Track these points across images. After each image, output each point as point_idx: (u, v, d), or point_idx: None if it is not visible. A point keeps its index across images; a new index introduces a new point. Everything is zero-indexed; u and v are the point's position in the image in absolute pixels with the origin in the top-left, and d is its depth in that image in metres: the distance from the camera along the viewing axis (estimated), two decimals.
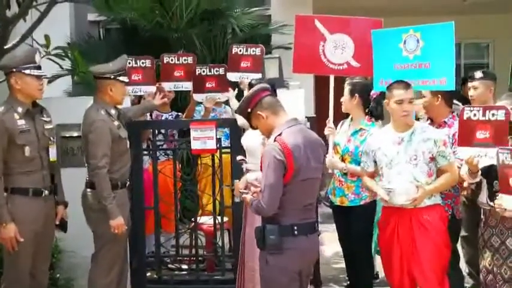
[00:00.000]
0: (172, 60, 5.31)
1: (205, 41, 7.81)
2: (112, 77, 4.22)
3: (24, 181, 3.93)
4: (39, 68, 4.00)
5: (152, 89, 5.22)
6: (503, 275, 3.69)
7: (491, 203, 3.71)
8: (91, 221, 4.27)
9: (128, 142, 4.42)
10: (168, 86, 5.30)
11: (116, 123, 4.24)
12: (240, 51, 5.38)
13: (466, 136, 3.69)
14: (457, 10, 8.79)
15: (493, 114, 3.60)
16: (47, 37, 5.58)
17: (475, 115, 3.65)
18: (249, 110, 3.50)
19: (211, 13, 7.96)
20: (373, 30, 4.48)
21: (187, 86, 5.34)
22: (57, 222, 4.20)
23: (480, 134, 3.61)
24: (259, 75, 5.21)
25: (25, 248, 3.92)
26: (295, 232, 3.39)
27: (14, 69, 3.94)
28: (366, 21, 4.60)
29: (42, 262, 4.14)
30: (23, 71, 3.93)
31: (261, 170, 3.39)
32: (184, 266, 5.46)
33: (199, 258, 5.23)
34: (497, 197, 3.53)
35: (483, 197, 3.82)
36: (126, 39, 8.32)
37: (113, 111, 4.25)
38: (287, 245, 3.36)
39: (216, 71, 5.39)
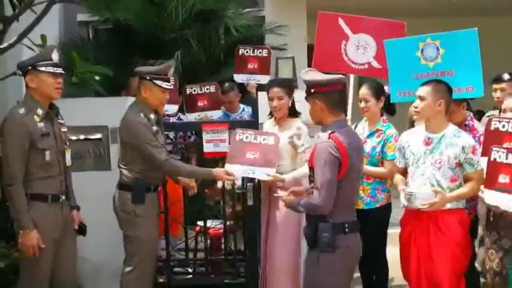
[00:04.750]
0: (195, 90, 5.31)
1: (200, 41, 7.74)
2: (148, 77, 4.10)
3: (43, 187, 3.77)
4: (56, 65, 3.78)
5: (175, 108, 5.19)
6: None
7: None
8: (124, 223, 4.20)
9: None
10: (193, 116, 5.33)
11: (155, 128, 4.13)
12: (247, 52, 5.36)
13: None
14: (444, 12, 8.87)
15: None
16: (43, 37, 5.44)
17: (503, 126, 3.60)
18: (312, 90, 3.46)
19: (206, 14, 7.89)
20: (385, 40, 4.44)
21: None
22: (76, 227, 4.07)
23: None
24: (267, 77, 5.17)
25: (45, 256, 3.77)
26: (346, 230, 3.40)
27: (30, 67, 3.76)
28: (388, 23, 4.60)
29: (64, 270, 3.94)
30: (38, 68, 3.74)
31: (311, 166, 3.38)
32: (190, 270, 5.38)
33: (204, 262, 5.16)
34: (482, 192, 3.51)
35: None
36: (118, 40, 8.20)
37: (152, 116, 4.13)
38: (339, 243, 3.36)
39: (207, 89, 5.38)
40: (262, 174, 4.23)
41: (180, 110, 5.43)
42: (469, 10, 8.86)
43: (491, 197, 3.42)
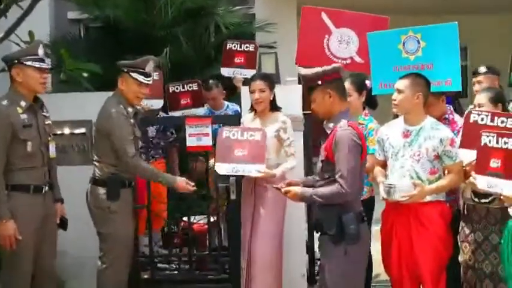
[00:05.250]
0: (177, 88, 5.33)
1: (190, 39, 7.75)
2: (125, 70, 4.11)
3: (25, 177, 3.83)
4: (42, 60, 3.86)
5: (160, 103, 5.18)
6: (484, 270, 3.74)
7: (476, 198, 3.74)
8: (97, 219, 4.17)
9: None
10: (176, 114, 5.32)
11: (132, 121, 4.13)
12: (234, 46, 5.37)
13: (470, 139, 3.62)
14: (434, 10, 8.88)
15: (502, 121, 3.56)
16: (31, 33, 5.48)
17: (482, 119, 3.60)
18: (320, 82, 3.44)
19: (196, 11, 7.90)
20: (368, 33, 4.44)
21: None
22: (57, 221, 4.08)
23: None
24: (253, 72, 5.19)
25: (26, 247, 3.80)
26: (364, 218, 3.45)
27: (16, 61, 3.83)
28: (371, 18, 4.60)
29: (46, 261, 3.98)
30: (24, 62, 3.81)
31: (328, 155, 3.37)
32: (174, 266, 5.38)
33: (191, 259, 5.16)
34: (471, 178, 3.48)
35: (468, 191, 3.84)
36: (108, 38, 8.20)
37: (129, 109, 4.14)
38: (362, 232, 3.39)
39: (190, 87, 5.39)
40: (252, 171, 4.21)
41: (164, 108, 5.44)
42: (460, 8, 8.89)
43: (482, 182, 3.40)
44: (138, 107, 4.40)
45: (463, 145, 3.69)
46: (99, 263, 4.15)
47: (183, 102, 5.31)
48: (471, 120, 3.65)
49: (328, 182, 3.40)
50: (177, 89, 5.33)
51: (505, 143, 3.32)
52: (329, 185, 3.39)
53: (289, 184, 3.66)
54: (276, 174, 4.26)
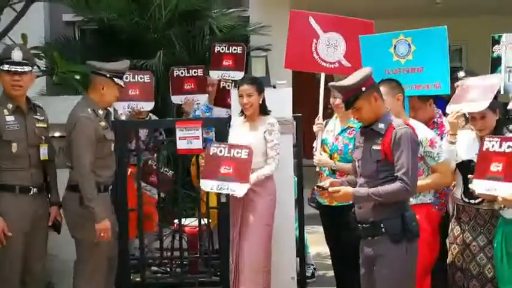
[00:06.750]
0: (182, 73, 5.32)
1: (184, 41, 7.77)
2: (108, 75, 4.08)
3: (10, 178, 3.89)
4: (15, 64, 3.89)
5: (150, 105, 5.14)
6: (471, 270, 3.75)
7: (466, 199, 3.76)
8: (72, 225, 4.10)
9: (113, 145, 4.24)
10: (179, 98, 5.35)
11: (103, 123, 4.09)
12: (222, 49, 5.41)
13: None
14: (429, 13, 8.89)
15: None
16: (24, 36, 5.51)
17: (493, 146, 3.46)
18: (364, 88, 3.43)
19: (190, 14, 7.93)
20: (360, 35, 4.48)
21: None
22: (50, 223, 4.11)
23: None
24: (241, 74, 5.21)
25: (14, 247, 3.85)
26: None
27: None
28: (357, 22, 4.62)
29: (34, 263, 4.01)
30: (0, 67, 3.89)
31: (389, 154, 3.37)
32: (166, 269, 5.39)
33: (183, 261, 5.16)
34: (471, 183, 3.48)
35: (458, 192, 3.86)
36: (103, 40, 8.23)
37: (100, 112, 4.10)
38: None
39: (195, 72, 5.39)
40: (236, 189, 4.22)
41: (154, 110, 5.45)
42: (454, 11, 8.90)
43: (481, 186, 3.41)
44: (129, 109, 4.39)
45: (478, 176, 3.47)
46: (75, 269, 4.10)
47: (186, 87, 5.34)
48: (484, 148, 3.48)
49: (386, 181, 3.38)
50: (181, 73, 5.36)
51: (509, 146, 3.34)
52: (387, 184, 3.37)
53: (332, 185, 3.59)
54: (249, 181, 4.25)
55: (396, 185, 3.33)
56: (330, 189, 3.52)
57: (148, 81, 5.14)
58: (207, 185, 4.30)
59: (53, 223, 4.15)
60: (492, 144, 3.41)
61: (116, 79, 4.09)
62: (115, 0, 7.66)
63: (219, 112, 5.55)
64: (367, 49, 4.43)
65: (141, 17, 7.70)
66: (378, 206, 3.42)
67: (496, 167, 3.36)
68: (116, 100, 4.26)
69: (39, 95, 7.53)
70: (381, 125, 3.44)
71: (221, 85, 5.51)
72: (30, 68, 3.98)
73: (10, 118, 3.89)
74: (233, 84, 5.32)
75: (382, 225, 3.40)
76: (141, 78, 5.16)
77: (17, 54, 3.90)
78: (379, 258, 3.44)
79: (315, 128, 4.61)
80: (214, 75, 5.35)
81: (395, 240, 3.37)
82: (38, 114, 4.08)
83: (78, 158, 3.96)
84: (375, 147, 3.45)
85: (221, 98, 5.53)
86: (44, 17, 8.94)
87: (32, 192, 3.96)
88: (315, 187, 3.81)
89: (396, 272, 3.38)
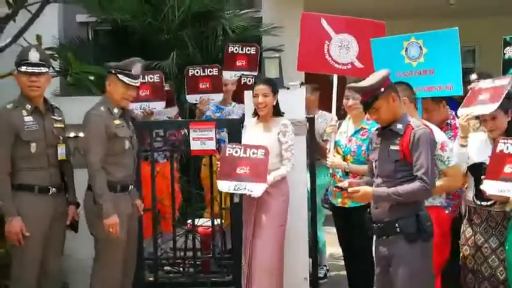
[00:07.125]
0: (197, 72, 5.34)
1: (197, 42, 7.80)
2: (113, 71, 4.09)
3: (30, 178, 3.94)
4: (32, 65, 3.94)
5: (161, 105, 5.16)
6: (483, 272, 3.76)
7: (477, 201, 3.77)
8: (88, 223, 4.15)
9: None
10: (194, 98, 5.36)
11: (117, 121, 4.09)
12: (236, 50, 5.45)
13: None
14: (442, 14, 8.86)
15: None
16: (38, 37, 5.56)
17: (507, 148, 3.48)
18: (382, 89, 3.47)
19: (203, 15, 7.95)
20: (372, 39, 4.48)
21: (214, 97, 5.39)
22: (68, 223, 4.16)
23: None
24: (254, 74, 5.22)
25: (33, 246, 3.90)
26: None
27: (15, 67, 3.98)
28: (368, 23, 4.62)
29: (51, 263, 4.06)
30: (18, 68, 3.96)
31: (408, 155, 3.40)
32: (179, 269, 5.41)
33: (196, 261, 5.18)
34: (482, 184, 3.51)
35: (469, 194, 3.87)
36: (116, 41, 8.27)
37: (115, 110, 4.11)
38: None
39: (210, 71, 5.40)
40: (253, 190, 4.22)
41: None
42: (467, 12, 8.86)
43: (493, 187, 3.43)
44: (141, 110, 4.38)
45: (490, 176, 3.51)
46: (93, 265, 4.16)
47: (202, 86, 5.36)
48: (498, 150, 3.52)
49: (404, 181, 3.41)
50: (197, 72, 5.38)
51: None
52: (405, 183, 3.39)
53: (350, 185, 3.61)
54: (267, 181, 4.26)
55: (416, 184, 3.36)
56: (350, 189, 3.54)
57: (158, 80, 5.17)
58: (223, 185, 4.31)
59: (71, 222, 4.20)
60: (507, 146, 3.43)
61: (120, 75, 4.06)
62: (128, 1, 7.70)
63: (239, 109, 5.54)
64: (378, 52, 4.44)
65: (154, 18, 7.73)
66: (394, 205, 3.44)
67: (510, 168, 3.37)
68: (127, 98, 4.18)
69: (53, 96, 7.60)
70: (399, 126, 3.47)
71: (242, 81, 5.50)
72: (47, 69, 4.04)
73: (29, 119, 3.94)
74: (254, 81, 5.31)
75: (397, 224, 3.42)
76: (151, 78, 5.20)
77: (33, 56, 3.96)
78: (395, 259, 3.45)
79: (328, 129, 4.63)
80: (228, 75, 5.37)
81: (410, 239, 3.39)
82: (55, 114, 4.14)
83: (86, 154, 4.03)
84: (393, 147, 3.47)
85: (242, 94, 5.51)
86: (57, 18, 8.97)
87: (51, 192, 4.01)
88: (334, 187, 3.81)
89: (414, 272, 3.40)
